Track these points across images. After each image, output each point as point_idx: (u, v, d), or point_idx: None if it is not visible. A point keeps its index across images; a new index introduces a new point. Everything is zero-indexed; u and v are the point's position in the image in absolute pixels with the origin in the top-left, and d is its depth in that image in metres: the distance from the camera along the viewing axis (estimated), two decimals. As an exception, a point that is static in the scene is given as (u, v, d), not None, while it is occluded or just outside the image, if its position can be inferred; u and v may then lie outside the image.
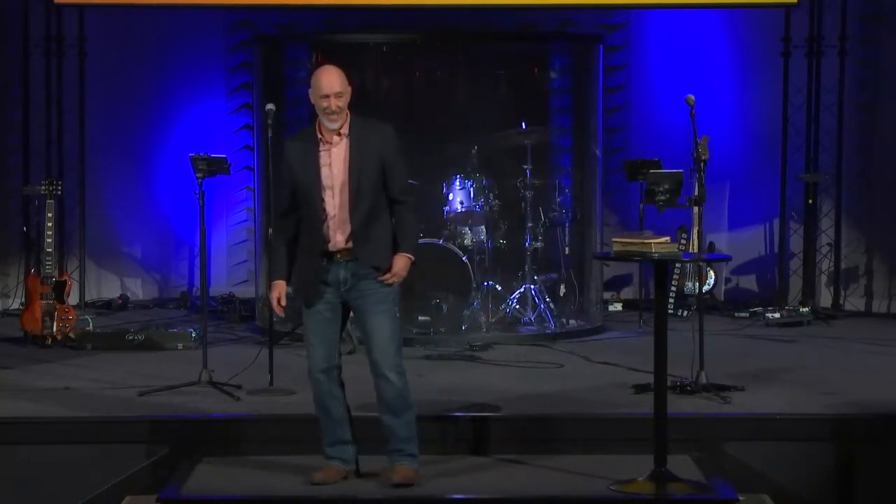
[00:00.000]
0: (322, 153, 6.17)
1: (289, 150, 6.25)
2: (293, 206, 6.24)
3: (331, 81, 6.12)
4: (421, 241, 8.83)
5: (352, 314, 6.32)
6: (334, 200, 6.15)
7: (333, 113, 6.12)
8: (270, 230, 8.26)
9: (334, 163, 6.15)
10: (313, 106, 6.18)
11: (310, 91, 6.18)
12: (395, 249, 6.22)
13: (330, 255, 6.19)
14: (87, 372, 8.46)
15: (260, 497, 6.31)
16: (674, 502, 6.28)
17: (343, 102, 6.13)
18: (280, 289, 6.26)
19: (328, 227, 6.17)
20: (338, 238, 6.17)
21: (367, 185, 6.15)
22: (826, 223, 11.59)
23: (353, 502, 6.22)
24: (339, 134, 6.17)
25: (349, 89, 6.18)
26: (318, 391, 6.28)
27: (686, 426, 6.95)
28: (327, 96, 6.11)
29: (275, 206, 6.35)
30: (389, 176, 6.21)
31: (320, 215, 6.15)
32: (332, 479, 6.31)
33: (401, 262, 6.21)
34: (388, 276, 6.18)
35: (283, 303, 6.27)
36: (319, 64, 10.39)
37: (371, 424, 6.50)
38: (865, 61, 11.48)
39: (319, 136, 6.19)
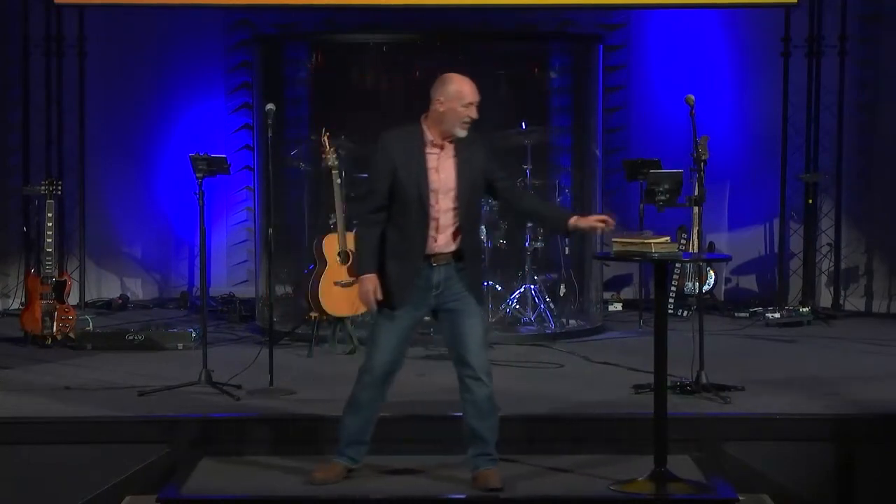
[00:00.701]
0: (430, 156, 6.09)
1: (391, 145, 6.11)
2: (388, 201, 6.09)
3: (475, 90, 6.12)
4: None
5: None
6: (438, 205, 6.08)
7: (471, 121, 6.10)
8: (270, 230, 8.30)
9: (443, 168, 6.09)
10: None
11: (444, 97, 6.06)
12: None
13: (427, 258, 6.11)
14: (87, 372, 8.46)
15: (260, 497, 6.29)
16: (674, 502, 6.27)
17: None
18: (375, 283, 6.05)
19: (430, 229, 6.08)
20: (439, 241, 6.10)
21: (475, 194, 6.18)
22: (826, 223, 11.59)
23: (353, 502, 6.22)
24: (451, 141, 6.13)
25: None
26: (365, 395, 6.19)
27: (686, 426, 6.93)
28: (472, 104, 6.09)
29: (367, 198, 6.12)
30: (498, 179, 6.23)
31: (425, 217, 6.06)
32: (333, 478, 6.29)
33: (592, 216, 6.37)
34: (605, 223, 6.21)
35: (380, 296, 6.06)
36: (318, 65, 10.57)
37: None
38: (865, 61, 11.48)
39: (430, 138, 6.11)
